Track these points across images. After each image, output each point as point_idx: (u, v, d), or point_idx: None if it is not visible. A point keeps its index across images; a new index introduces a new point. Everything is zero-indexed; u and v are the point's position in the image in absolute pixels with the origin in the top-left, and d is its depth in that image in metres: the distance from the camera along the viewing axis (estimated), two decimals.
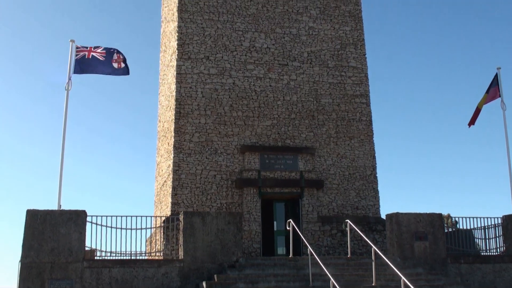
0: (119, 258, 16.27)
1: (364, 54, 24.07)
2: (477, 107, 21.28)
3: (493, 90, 20.92)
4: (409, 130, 60.49)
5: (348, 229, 16.81)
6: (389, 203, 51.77)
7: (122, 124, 61.36)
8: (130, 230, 16.55)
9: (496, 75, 20.99)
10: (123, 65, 17.60)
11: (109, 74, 17.75)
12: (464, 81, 59.86)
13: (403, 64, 62.08)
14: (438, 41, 61.60)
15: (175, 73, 22.35)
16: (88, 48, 17.63)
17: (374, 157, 23.06)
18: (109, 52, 17.54)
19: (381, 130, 52.21)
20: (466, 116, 57.62)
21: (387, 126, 55.99)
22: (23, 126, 58.46)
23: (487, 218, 19.00)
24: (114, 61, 17.56)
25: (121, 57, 17.54)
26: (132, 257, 16.56)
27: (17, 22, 58.42)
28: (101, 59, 17.45)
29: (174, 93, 22.23)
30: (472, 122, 21.41)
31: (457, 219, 19.43)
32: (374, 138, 23.26)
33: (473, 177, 57.38)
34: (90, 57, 17.42)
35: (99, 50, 17.61)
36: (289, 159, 22.15)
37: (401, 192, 55.24)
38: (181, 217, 16.39)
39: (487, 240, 19.01)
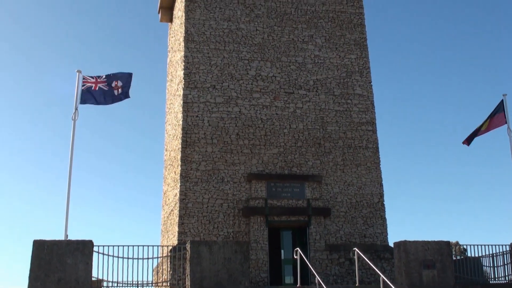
0: None
1: (370, 82, 24.16)
2: (477, 128, 21.26)
3: (499, 116, 20.90)
4: (415, 156, 60.37)
5: (356, 257, 16.71)
6: (397, 231, 51.46)
7: (129, 154, 61.55)
8: (136, 260, 16.49)
9: (502, 102, 21.00)
10: (120, 90, 17.72)
11: (112, 102, 17.90)
12: (471, 106, 59.87)
13: (409, 91, 62.20)
14: (443, 67, 61.78)
15: (181, 102, 22.48)
16: (94, 79, 17.80)
17: (381, 185, 23.00)
18: (110, 79, 17.70)
19: (388, 157, 52.14)
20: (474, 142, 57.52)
21: (394, 153, 55.91)
22: (30, 156, 58.72)
23: (495, 245, 18.84)
24: (114, 87, 17.73)
25: (119, 84, 17.69)
26: (139, 287, 16.47)
27: (25, 49, 59.07)
28: (105, 89, 17.64)
29: (180, 122, 22.33)
30: (467, 141, 21.35)
31: (465, 246, 19.29)
32: (381, 165, 23.24)
33: (481, 203, 57.05)
34: (97, 88, 17.60)
35: (102, 79, 17.77)
36: (296, 187, 22.12)
37: (408, 219, 54.94)
38: (188, 247, 16.33)
39: (495, 268, 18.81)
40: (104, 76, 17.86)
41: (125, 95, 17.90)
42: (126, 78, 17.99)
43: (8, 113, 58.19)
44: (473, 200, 57.59)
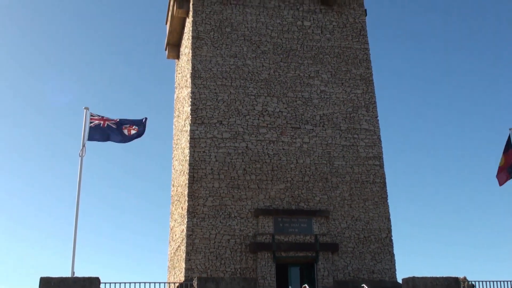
0: None
1: (376, 117, 24.23)
2: (499, 166, 21.30)
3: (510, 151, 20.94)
4: (422, 191, 60.08)
5: None
6: (404, 265, 51.00)
7: (136, 190, 61.53)
8: None
9: (510, 137, 21.01)
10: (133, 132, 17.90)
11: (121, 142, 18.06)
12: (477, 138, 59.80)
13: (415, 125, 62.25)
14: (449, 101, 61.91)
15: (188, 137, 22.57)
16: (102, 118, 18.00)
17: (389, 220, 22.88)
18: (121, 122, 17.91)
19: (395, 192, 51.94)
20: (480, 175, 57.30)
21: (401, 187, 55.69)
22: (37, 193, 58.82)
23: (504, 281, 18.64)
24: (124, 128, 17.88)
25: (133, 126, 17.88)
26: None
27: (30, 88, 59.67)
28: (114, 127, 17.81)
29: (187, 158, 22.38)
30: (501, 181, 21.35)
31: (473, 282, 19.08)
32: (388, 200, 23.14)
33: (490, 237, 56.50)
34: (105, 126, 17.77)
35: (112, 120, 17.96)
36: (303, 223, 22.02)
37: (415, 253, 54.39)
38: (195, 283, 16.24)
39: None
40: (117, 120, 18.06)
41: (137, 135, 18.08)
42: (140, 122, 18.22)
43: (15, 149, 58.55)
44: (482, 233, 57.08)
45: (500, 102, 60.11)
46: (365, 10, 25.92)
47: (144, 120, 18.57)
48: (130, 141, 18.21)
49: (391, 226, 22.84)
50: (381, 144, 23.89)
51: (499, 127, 58.46)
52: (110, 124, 17.90)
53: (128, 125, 17.83)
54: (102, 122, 17.92)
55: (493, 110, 60.28)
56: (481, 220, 57.49)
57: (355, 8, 25.72)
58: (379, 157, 23.64)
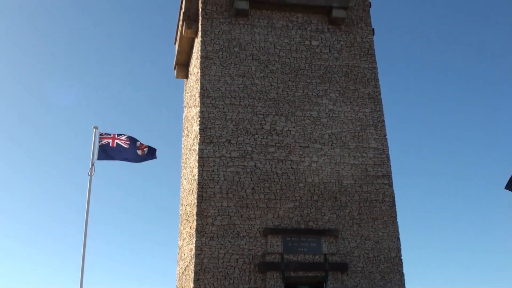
0: None
1: (385, 135, 24.20)
2: None
3: None
4: (431, 209, 59.74)
5: None
6: (415, 286, 50.50)
7: (144, 209, 61.52)
8: None
9: None
10: (146, 150, 17.97)
11: (134, 161, 18.10)
12: (486, 156, 59.52)
13: (423, 144, 62.09)
14: (458, 120, 61.77)
15: (197, 157, 22.59)
16: (112, 136, 18.06)
17: (398, 239, 22.75)
18: (133, 140, 17.95)
19: (404, 210, 51.69)
20: (491, 194, 56.95)
21: (410, 206, 55.42)
22: (45, 212, 58.87)
23: None
24: (138, 148, 17.94)
25: (144, 144, 17.93)
26: None
27: (36, 112, 59.99)
28: (125, 146, 17.85)
29: (196, 177, 22.39)
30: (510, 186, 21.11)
31: None
32: (397, 219, 23.03)
33: (502, 259, 55.99)
34: (115, 145, 17.82)
35: (123, 138, 18.03)
36: (312, 242, 21.92)
37: (426, 274, 53.94)
38: None
39: None
40: (126, 136, 18.14)
41: (150, 156, 18.14)
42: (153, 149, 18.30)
43: (22, 169, 58.72)
44: (493, 253, 56.58)
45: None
46: (373, 29, 26.03)
47: (154, 151, 18.65)
48: (142, 161, 18.25)
49: (400, 245, 22.70)
50: (389, 162, 23.84)
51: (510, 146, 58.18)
52: (120, 142, 17.95)
53: (139, 145, 17.87)
54: (111, 140, 17.97)
55: (505, 129, 60.07)
56: (492, 240, 57.05)
57: (362, 27, 25.84)
58: (388, 176, 23.58)
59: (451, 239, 57.72)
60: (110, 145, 17.94)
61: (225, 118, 23.24)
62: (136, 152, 18.03)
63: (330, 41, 25.29)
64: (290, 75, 24.38)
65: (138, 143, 18.08)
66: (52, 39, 61.20)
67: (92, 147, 17.92)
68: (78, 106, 61.33)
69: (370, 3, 26.43)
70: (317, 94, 24.33)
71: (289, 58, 24.67)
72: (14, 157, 59.17)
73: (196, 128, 23.62)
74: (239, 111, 23.45)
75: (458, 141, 61.12)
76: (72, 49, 61.65)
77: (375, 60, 25.47)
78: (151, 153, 18.24)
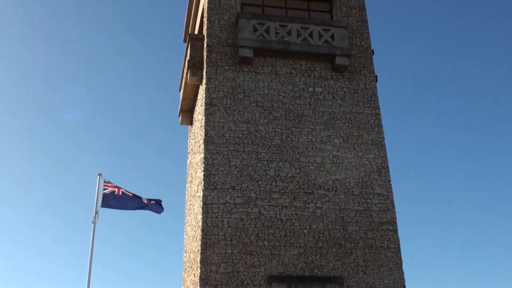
0: None
1: (389, 181, 24.18)
2: None
3: None
4: (438, 256, 59.12)
5: None
6: None
7: (148, 256, 61.05)
8: None
9: None
10: (153, 202, 18.02)
11: (138, 208, 18.14)
12: (490, 205, 59.18)
13: (428, 190, 61.88)
14: (462, 166, 61.69)
15: (201, 203, 22.57)
16: (117, 186, 18.13)
17: (404, 286, 22.49)
18: (137, 195, 18.05)
19: (410, 257, 51.18)
20: (496, 233, 56.42)
21: (416, 252, 54.88)
22: (48, 259, 58.44)
23: None
24: (143, 198, 18.00)
25: (149, 199, 18.01)
26: None
27: (41, 161, 60.22)
28: (130, 195, 17.89)
29: (200, 223, 22.32)
30: None
31: None
32: (403, 266, 22.83)
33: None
34: (120, 194, 17.88)
35: (128, 190, 18.11)
36: None
37: None
38: None
39: None
40: (132, 193, 18.25)
41: (157, 208, 18.20)
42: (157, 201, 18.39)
43: (25, 212, 58.58)
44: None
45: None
46: (376, 76, 26.29)
47: (160, 202, 18.74)
48: (146, 209, 18.28)
49: None
50: (394, 208, 23.75)
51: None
52: (125, 192, 18.02)
53: (147, 200, 17.96)
54: (116, 189, 18.04)
55: (505, 168, 59.91)
56: (499, 283, 56.26)
57: (365, 74, 26.10)
58: (392, 222, 23.47)
59: (458, 286, 56.92)
60: (116, 193, 18.00)
61: (229, 165, 23.30)
62: (141, 199, 18.08)
63: (334, 88, 25.52)
64: (294, 121, 24.53)
65: (143, 199, 18.18)
66: (54, 87, 61.86)
67: (96, 194, 17.95)
68: (82, 152, 61.55)
69: (373, 50, 26.77)
70: (321, 140, 24.42)
71: (292, 105, 24.86)
72: (19, 202, 59.16)
73: (200, 174, 23.66)
74: (243, 157, 23.53)
75: (462, 187, 60.90)
76: (79, 96, 62.26)
77: (379, 106, 25.65)
78: (156, 206, 18.28)
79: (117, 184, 18.17)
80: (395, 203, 23.84)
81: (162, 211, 18.77)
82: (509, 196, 56.93)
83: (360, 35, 26.94)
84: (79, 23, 64.99)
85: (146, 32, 67.91)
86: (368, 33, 27.09)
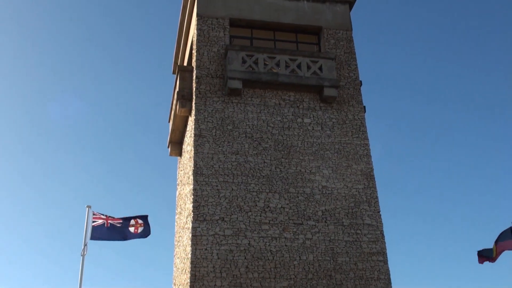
0: None
1: (379, 212, 24.18)
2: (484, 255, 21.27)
3: (507, 242, 20.88)
4: (428, 286, 58.88)
5: None
6: None
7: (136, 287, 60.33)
8: None
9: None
10: (140, 229, 17.92)
11: (125, 239, 18.02)
12: (482, 236, 59.23)
13: (418, 219, 61.94)
14: (452, 192, 61.88)
15: (190, 235, 22.43)
16: (105, 217, 18.03)
17: None
18: (126, 219, 17.93)
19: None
20: (484, 268, 56.36)
21: (406, 283, 54.60)
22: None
23: None
24: (131, 225, 17.88)
25: (139, 221, 17.90)
26: None
27: (31, 188, 59.81)
28: (118, 225, 17.79)
29: (189, 255, 22.15)
30: (481, 259, 21.27)
31: None
32: None
33: None
34: (108, 225, 17.77)
35: (116, 218, 18.00)
36: None
37: None
38: None
39: None
40: (119, 217, 18.15)
41: (143, 234, 18.12)
42: (143, 218, 18.32)
43: (14, 248, 57.90)
44: None
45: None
46: (364, 106, 26.47)
47: (146, 217, 18.63)
48: (134, 238, 18.18)
49: None
50: (384, 239, 23.71)
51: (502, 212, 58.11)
52: (113, 223, 17.91)
53: (134, 223, 17.85)
54: (105, 221, 17.93)
55: (495, 204, 60.14)
56: None
57: (354, 105, 26.28)
58: (382, 253, 23.40)
59: None
60: (105, 225, 17.88)
61: (219, 196, 23.23)
62: (128, 229, 17.97)
63: (322, 119, 25.65)
64: (283, 152, 24.57)
65: (132, 221, 18.04)
66: (39, 119, 61.79)
67: (85, 226, 17.83)
68: (70, 183, 61.22)
69: (361, 81, 27.00)
70: (310, 171, 24.45)
71: (282, 136, 24.94)
72: (6, 238, 58.55)
73: (189, 206, 23.56)
74: (232, 189, 23.47)
75: (452, 217, 61.01)
76: (68, 131, 62.19)
77: (367, 137, 25.77)
78: (144, 231, 18.18)
79: (106, 213, 18.07)
80: (384, 234, 23.82)
81: (149, 234, 18.60)
82: (498, 230, 57.00)
83: (348, 67, 27.20)
84: (69, 55, 65.22)
85: (135, 63, 68.19)
86: (356, 65, 27.37)
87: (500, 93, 62.40)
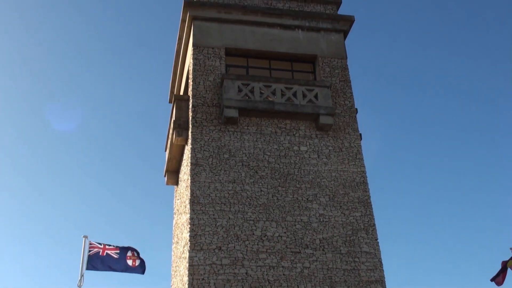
0: None
1: (376, 239, 24.08)
2: (505, 266, 20.99)
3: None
4: None
5: None
6: None
7: None
8: None
9: None
10: (137, 262, 17.79)
11: (123, 271, 17.87)
12: (481, 263, 58.99)
13: (415, 246, 61.69)
14: (450, 221, 61.75)
15: (187, 265, 22.27)
16: (102, 246, 17.90)
17: None
18: (123, 249, 17.80)
19: None
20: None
21: None
22: None
23: None
24: (129, 258, 17.76)
25: (135, 254, 17.77)
26: None
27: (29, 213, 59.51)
28: (115, 256, 17.65)
29: (186, 285, 21.96)
30: (498, 281, 20.93)
31: None
32: None
33: None
34: (105, 254, 17.64)
35: (113, 247, 17.88)
36: None
37: None
38: None
39: None
40: (116, 246, 18.03)
41: (140, 269, 18.00)
42: (137, 252, 18.22)
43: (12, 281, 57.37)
44: None
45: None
46: (360, 134, 26.54)
47: (139, 253, 18.55)
48: (132, 272, 18.02)
49: None
50: (382, 267, 23.58)
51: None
52: (110, 253, 17.78)
53: (131, 254, 17.72)
54: (101, 250, 17.81)
55: (498, 216, 59.99)
56: None
57: (350, 132, 26.35)
58: (381, 281, 23.24)
59: None
60: (101, 254, 17.74)
61: (216, 225, 23.13)
62: (126, 261, 17.83)
63: (319, 147, 25.69)
64: (279, 181, 24.55)
65: (129, 253, 17.91)
66: (33, 142, 61.75)
67: (82, 257, 17.68)
68: (66, 213, 60.96)
69: (356, 109, 27.12)
70: (307, 199, 24.40)
71: (278, 164, 24.94)
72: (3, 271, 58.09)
73: (186, 235, 23.43)
74: (229, 217, 23.38)
75: (452, 245, 60.78)
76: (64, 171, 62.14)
77: (364, 164, 25.79)
78: (141, 266, 18.05)
79: (103, 242, 17.95)
80: (383, 262, 23.69)
81: (145, 269, 18.51)
82: (495, 247, 56.79)
83: (344, 94, 27.34)
84: (66, 86, 65.49)
85: (132, 92, 68.46)
86: (351, 92, 27.51)
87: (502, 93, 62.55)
